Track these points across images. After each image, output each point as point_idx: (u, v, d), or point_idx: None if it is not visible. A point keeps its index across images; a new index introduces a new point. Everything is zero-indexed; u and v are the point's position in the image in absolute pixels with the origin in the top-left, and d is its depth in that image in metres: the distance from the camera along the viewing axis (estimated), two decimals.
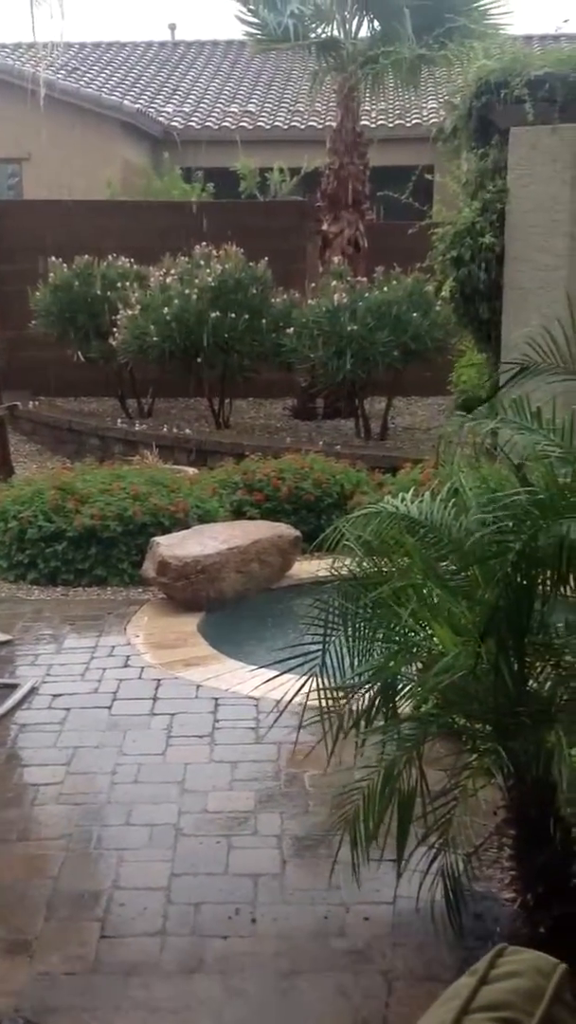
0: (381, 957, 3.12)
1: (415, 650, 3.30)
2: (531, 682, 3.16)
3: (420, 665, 3.31)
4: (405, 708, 3.35)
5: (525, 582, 2.99)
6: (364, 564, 3.46)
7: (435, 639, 3.21)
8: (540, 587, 3.07)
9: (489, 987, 1.24)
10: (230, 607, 6.53)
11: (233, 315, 10.54)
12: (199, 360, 10.79)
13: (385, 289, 10.32)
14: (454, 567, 3.30)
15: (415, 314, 9.98)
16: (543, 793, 2.89)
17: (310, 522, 7.58)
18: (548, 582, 3.07)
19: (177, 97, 20.30)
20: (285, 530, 7.05)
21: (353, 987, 2.99)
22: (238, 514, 7.78)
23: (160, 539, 6.70)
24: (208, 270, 10.75)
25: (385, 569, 3.42)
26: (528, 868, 3.11)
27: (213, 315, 10.44)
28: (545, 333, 3.19)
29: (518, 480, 3.32)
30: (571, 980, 1.28)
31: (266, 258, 11.15)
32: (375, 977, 3.02)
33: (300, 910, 3.36)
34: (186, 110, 19.50)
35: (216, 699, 5.05)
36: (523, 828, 3.12)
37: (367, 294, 10.29)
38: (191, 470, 8.97)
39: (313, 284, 11.34)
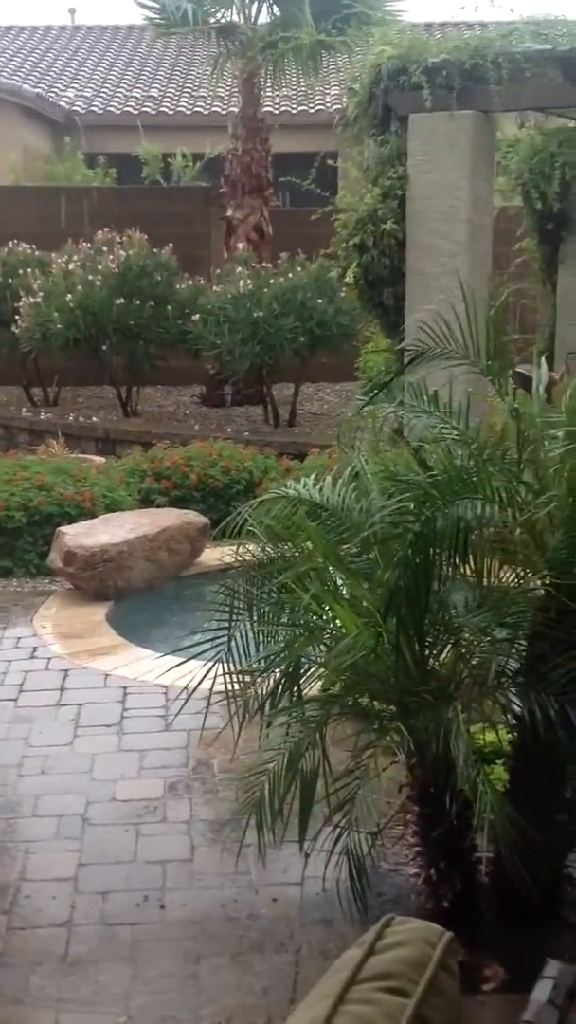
0: (289, 937, 3.15)
1: (318, 633, 3.33)
2: (432, 661, 3.21)
3: (324, 648, 3.34)
4: (314, 691, 3.38)
5: (424, 563, 3.03)
6: (268, 549, 3.47)
7: (337, 621, 3.25)
8: (439, 567, 3.12)
9: (376, 957, 1.26)
10: (139, 596, 6.50)
11: (138, 302, 10.46)
12: (105, 348, 10.68)
13: (290, 275, 10.34)
14: (355, 550, 3.34)
15: (320, 300, 10.02)
16: (442, 769, 2.94)
17: (219, 509, 7.57)
18: (447, 562, 3.12)
19: (79, 82, 20.00)
20: (193, 518, 7.04)
21: (261, 968, 3.02)
22: (146, 503, 7.74)
23: (66, 529, 6.63)
24: (112, 257, 10.64)
25: (288, 554, 3.45)
26: (430, 844, 3.16)
27: (118, 302, 10.35)
28: (439, 318, 3.23)
29: (416, 463, 3.37)
30: (457, 948, 1.32)
31: (170, 244, 11.08)
32: (283, 957, 3.06)
33: (209, 894, 3.38)
34: (88, 95, 19.22)
35: (124, 688, 5.03)
36: (425, 805, 3.17)
37: (272, 280, 10.29)
38: (98, 459, 8.90)
39: (218, 270, 11.30)
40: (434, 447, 3.30)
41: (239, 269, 10.48)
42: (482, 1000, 2.84)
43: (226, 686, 3.30)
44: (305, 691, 3.32)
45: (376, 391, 3.53)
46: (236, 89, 12.83)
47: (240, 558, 3.48)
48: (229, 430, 10.16)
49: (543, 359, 3.85)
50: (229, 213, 11.99)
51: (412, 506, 2.99)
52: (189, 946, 3.11)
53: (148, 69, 20.89)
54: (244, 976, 2.99)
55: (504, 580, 3.31)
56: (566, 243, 10.26)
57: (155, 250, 10.97)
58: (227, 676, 3.32)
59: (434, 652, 3.23)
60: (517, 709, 3.10)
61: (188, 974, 2.99)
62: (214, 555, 6.83)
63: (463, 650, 3.19)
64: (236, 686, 3.29)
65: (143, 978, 2.97)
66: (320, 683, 3.38)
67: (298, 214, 11.49)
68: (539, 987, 1.23)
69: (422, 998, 1.19)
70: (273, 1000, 2.85)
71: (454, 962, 1.28)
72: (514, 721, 3.17)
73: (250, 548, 3.48)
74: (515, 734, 3.23)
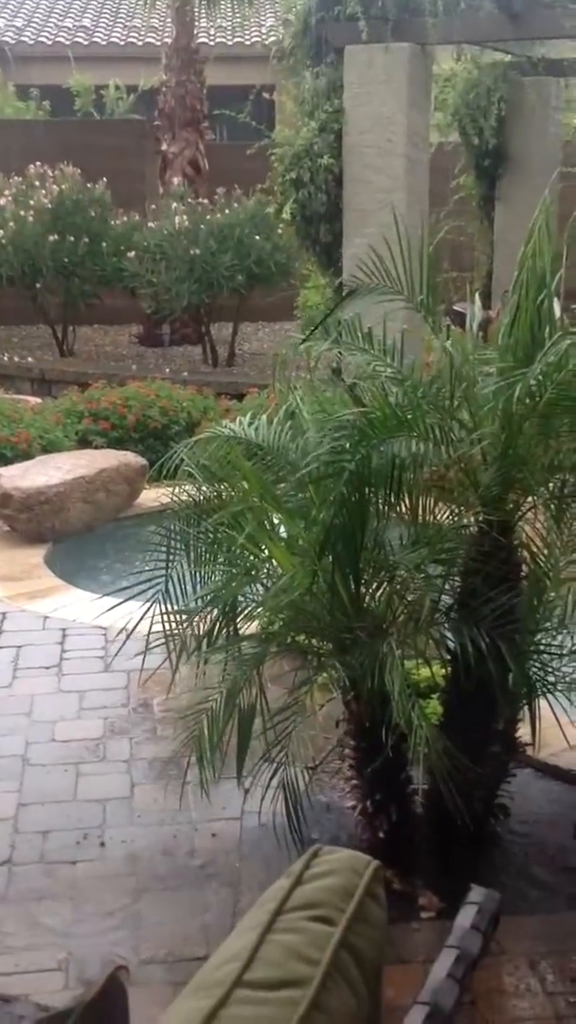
0: (228, 871, 3.20)
1: (254, 572, 3.34)
2: (367, 599, 3.24)
3: (262, 587, 3.36)
4: (252, 630, 3.39)
5: (359, 501, 3.04)
6: (204, 490, 3.46)
7: (273, 561, 3.26)
8: (374, 506, 3.14)
9: (303, 887, 1.28)
10: (77, 538, 6.46)
11: (72, 239, 10.27)
12: (39, 286, 10.48)
13: (227, 212, 10.20)
14: (291, 489, 3.33)
15: (258, 237, 9.91)
16: (378, 704, 2.99)
17: (158, 450, 7.50)
18: (382, 500, 3.14)
19: (8, 11, 19.34)
20: (131, 458, 6.99)
21: (201, 901, 3.06)
22: (84, 443, 7.67)
23: (2, 470, 6.55)
24: (44, 192, 10.40)
25: (225, 494, 3.44)
26: (366, 777, 3.22)
27: (51, 239, 10.14)
28: (373, 253, 3.20)
29: (352, 400, 3.36)
30: (383, 877, 1.35)
31: (104, 179, 10.86)
32: (222, 890, 3.10)
33: (149, 831, 3.41)
34: (18, 24, 18.62)
35: (63, 630, 5.01)
36: (361, 739, 3.22)
37: (209, 217, 10.15)
38: (34, 400, 8.77)
39: (153, 206, 11.12)
40: (368, 385, 3.29)
41: (175, 205, 10.32)
42: (417, 927, 2.92)
43: (164, 626, 3.31)
44: (243, 630, 3.34)
45: (311, 328, 3.50)
46: (170, 19, 12.49)
47: (176, 498, 3.47)
48: (167, 370, 10.07)
49: (477, 297, 3.84)
50: (164, 147, 11.77)
51: (347, 445, 2.99)
52: (129, 882, 3.15)
53: None
54: (184, 910, 3.03)
55: (439, 518, 3.34)
56: (503, 180, 10.25)
57: (89, 185, 10.75)
58: (165, 616, 3.33)
59: (370, 590, 3.26)
60: (451, 644, 3.14)
61: (129, 910, 3.03)
62: (153, 496, 6.79)
63: (398, 587, 3.22)
64: (174, 626, 3.30)
65: (83, 915, 3.00)
66: (258, 622, 3.40)
67: (234, 149, 11.30)
68: (463, 913, 1.26)
69: (348, 926, 1.21)
70: (213, 932, 2.90)
71: (381, 890, 1.31)
72: (448, 656, 3.21)
73: (187, 489, 3.47)
74: (449, 669, 3.28)
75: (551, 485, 3.21)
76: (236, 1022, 1.08)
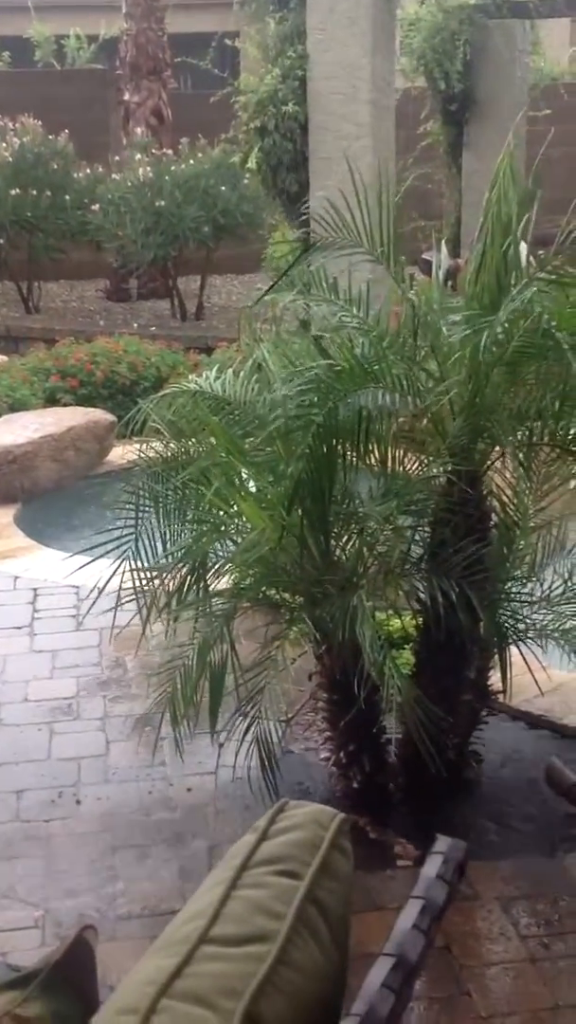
0: (204, 825, 3.22)
1: (224, 528, 3.32)
2: (337, 551, 3.23)
3: (231, 543, 3.34)
4: (223, 585, 3.38)
5: (327, 454, 3.02)
6: (171, 446, 3.43)
7: (242, 516, 3.24)
8: (342, 458, 3.12)
9: (269, 842, 1.28)
10: (47, 497, 6.41)
11: (35, 192, 10.08)
12: (2, 241, 10.31)
13: (192, 162, 10.04)
14: (259, 443, 3.31)
15: (223, 188, 9.77)
16: (350, 656, 2.99)
17: (127, 407, 7.39)
18: (350, 453, 3.12)
19: None
20: (100, 416, 6.93)
21: (177, 856, 3.08)
22: (51, 401, 7.58)
23: None
24: (4, 145, 10.20)
25: (193, 450, 3.41)
26: (339, 728, 3.23)
27: (13, 192, 9.96)
28: (330, 206, 3.15)
29: (318, 352, 3.33)
30: (349, 829, 1.35)
31: (66, 131, 10.66)
32: (198, 844, 3.12)
33: (124, 788, 3.42)
34: None
35: (35, 590, 4.99)
36: (333, 691, 3.23)
37: (173, 167, 9.99)
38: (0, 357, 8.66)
39: (117, 158, 10.92)
40: (334, 336, 3.26)
41: (138, 156, 10.14)
42: (392, 874, 2.95)
43: (134, 584, 3.30)
44: (214, 586, 3.33)
45: (276, 279, 3.46)
46: None
47: (143, 455, 3.44)
48: (135, 325, 9.95)
49: (444, 244, 3.81)
50: (126, 97, 11.54)
51: (315, 398, 2.97)
52: (105, 839, 3.16)
53: None
54: (160, 865, 3.05)
55: (409, 469, 3.33)
56: (470, 125, 10.13)
57: (50, 137, 10.55)
58: (135, 574, 3.31)
59: (340, 543, 3.25)
60: (421, 595, 3.15)
61: (104, 866, 3.04)
62: (123, 454, 6.74)
63: (368, 539, 3.22)
64: (145, 584, 3.29)
65: (59, 872, 3.02)
66: (230, 577, 3.39)
67: (198, 98, 11.10)
68: (429, 863, 1.26)
69: (314, 880, 1.21)
70: (189, 886, 2.91)
71: (347, 843, 1.31)
72: (419, 606, 3.22)
73: (154, 446, 3.44)
74: (420, 619, 3.28)
75: (519, 434, 3.20)
76: (201, 979, 1.07)
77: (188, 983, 1.06)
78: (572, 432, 3.05)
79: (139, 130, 11.17)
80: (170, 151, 10.53)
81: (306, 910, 1.17)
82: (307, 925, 1.16)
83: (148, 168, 9.90)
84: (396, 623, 3.73)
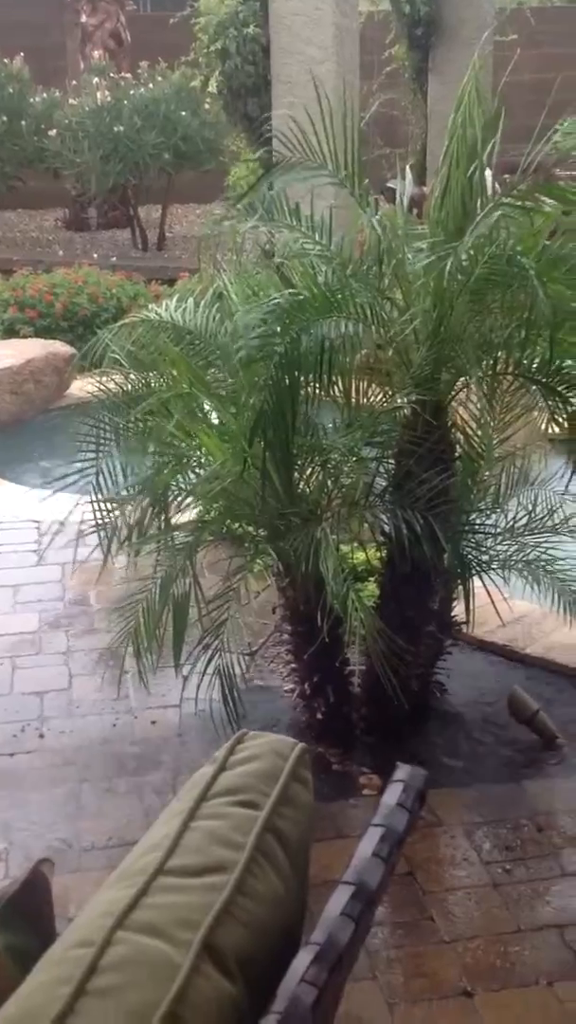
0: (168, 757, 3.22)
1: (186, 460, 3.28)
2: (301, 484, 3.20)
3: (194, 475, 3.30)
4: (187, 518, 3.35)
5: (290, 385, 2.98)
6: (132, 377, 3.37)
7: (204, 448, 3.20)
8: (304, 389, 3.08)
9: (228, 773, 1.27)
10: (6, 430, 6.33)
11: None
12: None
13: (151, 86, 9.79)
14: (221, 374, 3.26)
15: (184, 113, 9.55)
16: (313, 588, 2.98)
17: (87, 339, 7.20)
18: (313, 384, 3.08)
19: None
20: (60, 348, 6.82)
21: (141, 788, 3.08)
22: (10, 333, 7.45)
23: None
24: None
25: (153, 382, 3.35)
26: (303, 660, 3.23)
27: None
28: (292, 123, 3.07)
29: (280, 280, 3.26)
30: (315, 759, 1.33)
31: (21, 54, 10.35)
32: (162, 776, 3.13)
33: (88, 721, 3.41)
34: None
35: None
36: (297, 624, 3.22)
37: (132, 92, 9.74)
38: None
39: (75, 82, 10.63)
40: (295, 263, 3.19)
41: (96, 80, 9.88)
42: (355, 803, 2.97)
43: (96, 517, 3.26)
44: (177, 519, 3.30)
45: (234, 202, 3.38)
46: None
47: (103, 388, 3.38)
48: (95, 255, 9.78)
49: (408, 170, 3.72)
50: (83, 19, 11.23)
51: (277, 327, 2.91)
52: (69, 772, 3.16)
53: None
54: (124, 797, 3.05)
55: (374, 401, 3.29)
56: (436, 50, 9.93)
57: (5, 61, 10.23)
58: (97, 507, 3.27)
59: (304, 475, 3.22)
60: (385, 527, 3.13)
61: (69, 799, 3.04)
62: (83, 386, 6.64)
63: (332, 471, 3.19)
64: (107, 517, 3.25)
65: (23, 806, 3.01)
66: (193, 510, 3.36)
67: (157, 19, 10.81)
68: (389, 791, 1.25)
69: (273, 809, 1.20)
70: (154, 817, 2.91)
71: (307, 773, 1.29)
72: (383, 538, 3.21)
73: (115, 378, 3.38)
74: (384, 551, 3.27)
75: (484, 363, 3.16)
76: (158, 910, 1.06)
77: (144, 915, 1.05)
78: (536, 362, 3.01)
79: (97, 53, 10.89)
80: (129, 75, 10.26)
81: (265, 839, 1.16)
82: (266, 854, 1.15)
83: (106, 92, 9.66)
84: (361, 556, 3.72)
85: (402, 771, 1.27)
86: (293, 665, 3.36)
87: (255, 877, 1.12)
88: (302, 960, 1.01)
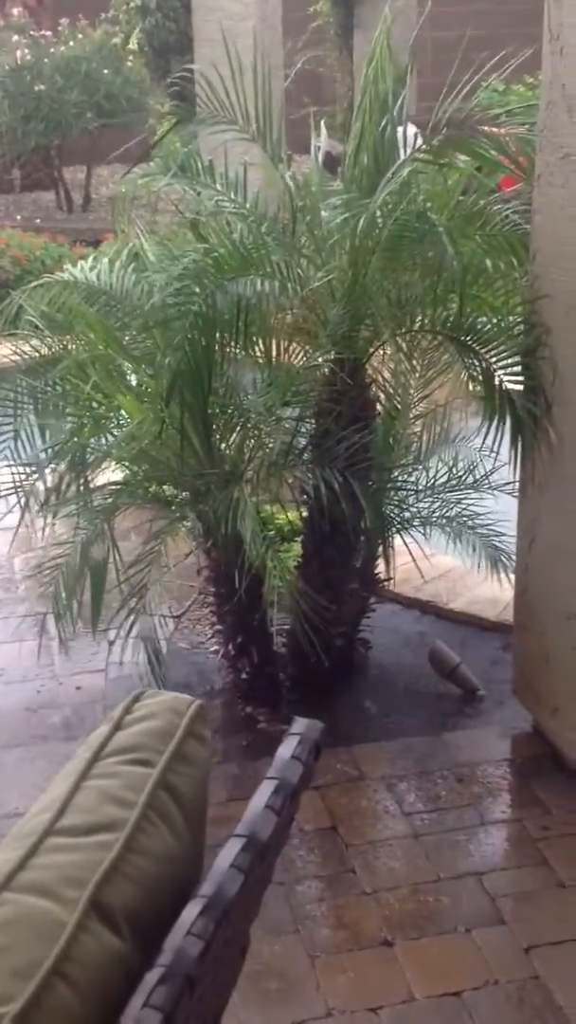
0: (93, 722, 3.19)
1: (104, 422, 3.25)
2: (220, 444, 3.18)
3: (111, 436, 3.27)
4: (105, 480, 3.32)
5: (206, 345, 2.95)
6: (48, 340, 3.32)
7: (122, 409, 3.17)
8: (221, 349, 3.06)
9: (123, 732, 1.26)
10: None
11: None
12: None
13: (71, 44, 9.58)
14: (137, 334, 3.22)
15: (106, 71, 9.36)
16: (233, 549, 2.97)
17: None
18: (230, 343, 3.05)
19: None
20: None
21: (66, 754, 3.05)
22: None
23: None
24: None
25: (70, 344, 3.31)
26: (227, 621, 3.23)
27: None
28: (202, 78, 3.02)
29: (195, 238, 3.23)
30: (206, 716, 1.33)
31: None
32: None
33: (11, 688, 3.39)
34: None
35: None
36: (219, 585, 3.21)
37: (53, 50, 9.52)
38: None
39: None
40: (211, 221, 3.16)
41: (15, 38, 9.63)
42: (267, 761, 2.98)
43: (13, 481, 3.22)
44: (95, 481, 3.27)
45: (138, 160, 3.33)
46: None
47: (19, 350, 3.33)
48: (19, 217, 9.58)
49: (323, 125, 3.70)
50: None
51: (193, 286, 2.88)
52: None
53: None
54: (51, 763, 3.03)
55: (295, 360, 3.28)
56: (361, 6, 9.82)
57: None
58: (14, 471, 3.23)
59: (223, 435, 3.20)
60: (306, 486, 3.13)
61: None
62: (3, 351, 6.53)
63: (251, 431, 3.17)
64: (20, 480, 3.21)
65: None
66: (112, 472, 3.33)
67: None
68: (284, 743, 1.25)
69: (167, 766, 1.20)
70: None
71: (204, 730, 1.29)
72: (304, 498, 3.20)
73: (32, 342, 3.32)
74: (305, 511, 3.27)
75: (400, 321, 3.16)
76: (46, 870, 1.06)
77: (32, 875, 1.05)
78: (451, 318, 3.01)
79: (16, 10, 10.60)
80: (49, 33, 10.03)
81: (158, 796, 1.16)
82: (158, 811, 1.15)
83: (26, 51, 9.43)
84: (284, 517, 3.72)
85: (298, 724, 1.28)
86: (218, 627, 3.36)
87: (147, 834, 1.12)
88: (189, 913, 1.02)
